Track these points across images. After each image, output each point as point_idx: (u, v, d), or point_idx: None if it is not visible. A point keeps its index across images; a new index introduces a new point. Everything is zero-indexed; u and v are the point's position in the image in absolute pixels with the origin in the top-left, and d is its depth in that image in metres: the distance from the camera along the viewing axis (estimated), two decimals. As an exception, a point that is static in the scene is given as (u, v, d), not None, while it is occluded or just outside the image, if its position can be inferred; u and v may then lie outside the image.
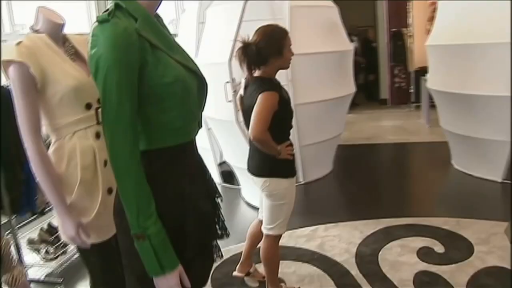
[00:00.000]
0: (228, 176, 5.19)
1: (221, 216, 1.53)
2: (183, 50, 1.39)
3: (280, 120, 2.34)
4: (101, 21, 1.16)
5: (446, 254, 3.13)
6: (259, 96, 2.28)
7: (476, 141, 4.42)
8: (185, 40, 4.89)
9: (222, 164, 5.33)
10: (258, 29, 2.39)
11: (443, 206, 4.15)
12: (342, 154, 5.52)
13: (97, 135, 1.80)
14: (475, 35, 4.17)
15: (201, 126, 1.44)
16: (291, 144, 2.47)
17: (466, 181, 4.59)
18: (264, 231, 2.61)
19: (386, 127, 7.60)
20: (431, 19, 8.13)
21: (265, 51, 2.32)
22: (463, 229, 3.47)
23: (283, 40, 2.36)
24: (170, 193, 1.30)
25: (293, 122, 2.60)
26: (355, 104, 7.78)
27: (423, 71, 7.73)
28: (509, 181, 4.31)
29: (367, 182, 5.07)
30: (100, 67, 1.15)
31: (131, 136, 1.19)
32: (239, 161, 3.44)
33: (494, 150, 4.30)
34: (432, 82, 4.94)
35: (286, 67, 2.47)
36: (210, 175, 1.52)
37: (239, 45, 2.33)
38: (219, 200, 1.53)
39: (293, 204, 2.55)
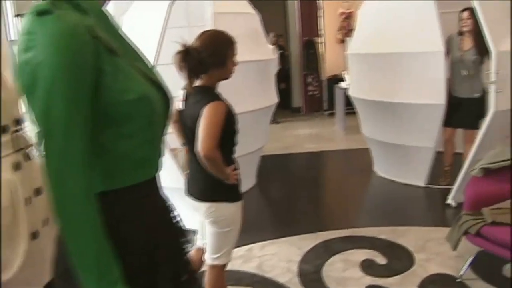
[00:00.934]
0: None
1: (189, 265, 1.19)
2: (144, 56, 1.06)
3: (225, 136, 2.08)
4: (39, 13, 0.82)
5: (389, 265, 3.08)
6: (206, 107, 2.00)
7: (399, 147, 4.51)
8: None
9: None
10: (201, 34, 2.11)
11: (375, 215, 4.15)
12: (262, 165, 5.32)
13: (16, 166, 1.38)
14: (395, 44, 4.26)
15: (163, 154, 1.12)
16: (236, 168, 2.22)
17: (391, 188, 4.66)
18: (209, 261, 2.32)
19: (303, 135, 7.62)
20: (342, 28, 8.43)
21: (207, 60, 2.04)
22: (399, 237, 3.46)
23: (228, 50, 2.12)
24: (134, 249, 0.98)
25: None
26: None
27: (335, 79, 7.94)
28: (432, 186, 4.44)
29: (294, 194, 4.95)
30: (41, 78, 0.81)
31: (86, 176, 0.86)
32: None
33: (416, 156, 4.40)
34: (353, 90, 4.97)
35: (227, 78, 2.21)
36: (176, 216, 1.19)
37: (179, 48, 2.02)
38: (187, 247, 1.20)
39: (239, 230, 2.31)
